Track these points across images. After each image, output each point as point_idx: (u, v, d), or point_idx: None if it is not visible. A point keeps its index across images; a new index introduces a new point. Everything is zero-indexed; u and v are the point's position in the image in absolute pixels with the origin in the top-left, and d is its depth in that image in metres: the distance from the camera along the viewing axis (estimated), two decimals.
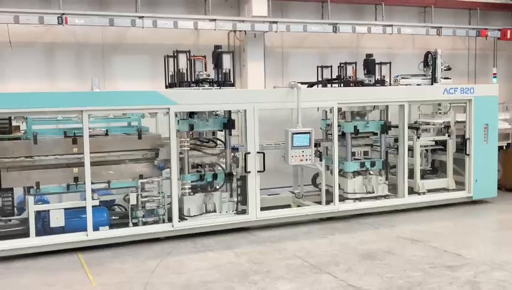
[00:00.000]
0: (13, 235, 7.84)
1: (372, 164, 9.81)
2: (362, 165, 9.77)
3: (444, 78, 10.60)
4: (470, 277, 6.50)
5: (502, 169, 11.35)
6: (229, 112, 8.85)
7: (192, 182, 8.60)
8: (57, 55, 9.99)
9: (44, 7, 9.55)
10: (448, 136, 10.54)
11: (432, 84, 10.25)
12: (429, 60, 10.38)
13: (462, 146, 10.46)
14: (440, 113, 10.78)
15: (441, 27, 12.28)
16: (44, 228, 7.86)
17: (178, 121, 8.41)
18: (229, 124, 8.72)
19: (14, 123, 8.15)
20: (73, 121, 8.59)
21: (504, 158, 11.38)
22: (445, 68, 10.51)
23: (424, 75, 10.45)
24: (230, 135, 8.82)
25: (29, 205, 7.71)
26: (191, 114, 8.67)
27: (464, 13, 13.09)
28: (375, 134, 10.19)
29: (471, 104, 10.25)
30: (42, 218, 7.88)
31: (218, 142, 8.94)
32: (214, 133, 8.99)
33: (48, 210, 7.85)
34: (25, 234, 7.76)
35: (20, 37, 9.55)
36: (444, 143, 10.63)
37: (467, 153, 10.33)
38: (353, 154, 9.86)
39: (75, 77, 10.00)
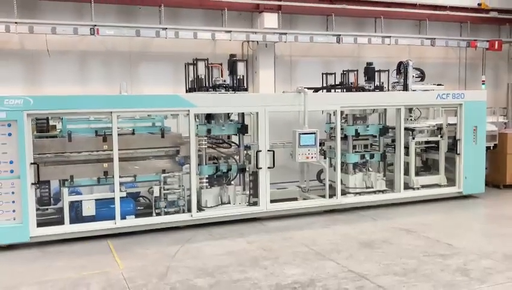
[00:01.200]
0: (50, 223, 7.94)
1: (371, 156, 9.78)
2: (362, 156, 9.73)
3: (437, 85, 10.57)
4: (460, 264, 6.47)
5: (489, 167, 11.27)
6: (243, 117, 8.86)
7: (209, 176, 8.62)
8: (89, 62, 10.03)
9: (78, 19, 9.58)
10: (441, 137, 10.47)
11: (404, 90, 10.09)
12: (401, 69, 10.30)
13: (453, 146, 10.40)
14: (411, 118, 10.68)
15: (435, 38, 12.19)
16: (77, 217, 7.92)
17: (197, 125, 8.42)
18: (242, 129, 8.73)
19: (50, 123, 8.19)
20: (103, 121, 8.62)
21: (491, 157, 11.30)
22: (417, 76, 10.46)
23: (398, 82, 10.38)
24: (244, 135, 8.83)
25: (64, 196, 7.81)
26: (208, 117, 8.68)
27: (456, 26, 13.00)
28: (374, 136, 10.14)
29: (461, 108, 10.19)
30: (75, 208, 7.95)
31: (232, 144, 8.95)
32: (229, 137, 9.01)
33: (81, 201, 7.94)
34: (60, 222, 7.86)
35: (57, 46, 9.59)
36: (436, 143, 10.57)
37: (458, 152, 10.27)
38: (354, 147, 9.83)
39: (105, 82, 10.02)
